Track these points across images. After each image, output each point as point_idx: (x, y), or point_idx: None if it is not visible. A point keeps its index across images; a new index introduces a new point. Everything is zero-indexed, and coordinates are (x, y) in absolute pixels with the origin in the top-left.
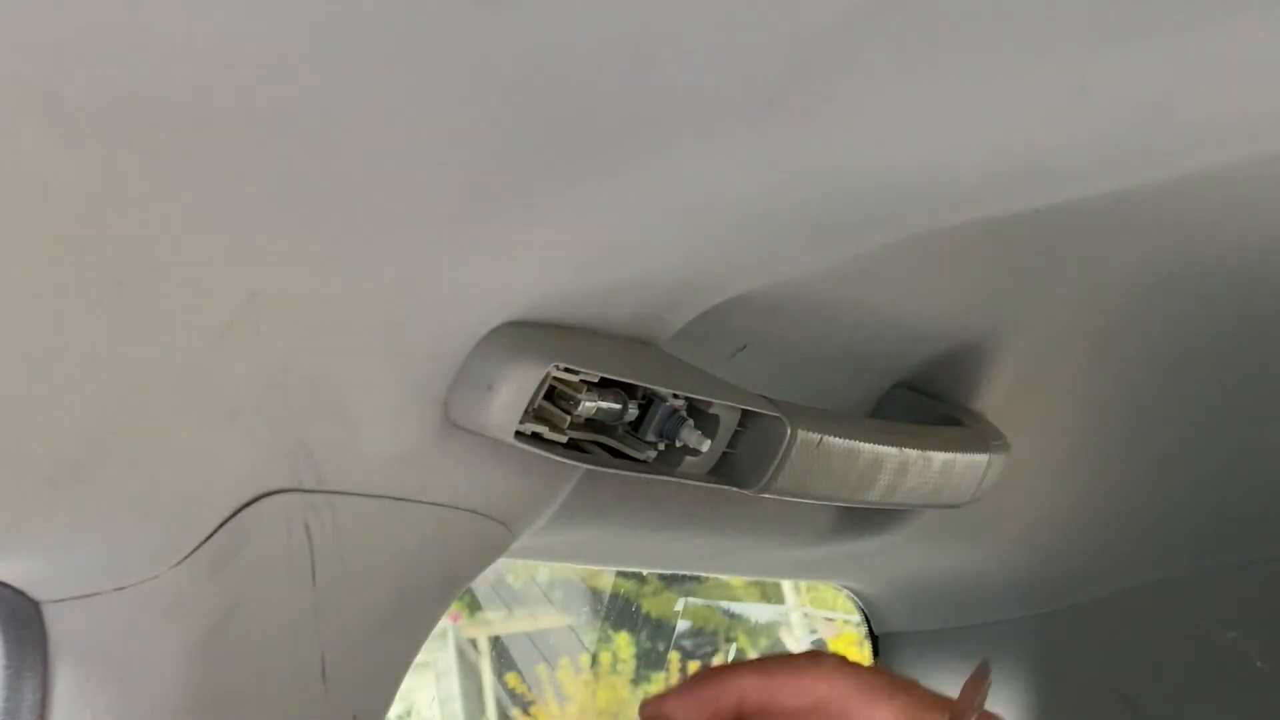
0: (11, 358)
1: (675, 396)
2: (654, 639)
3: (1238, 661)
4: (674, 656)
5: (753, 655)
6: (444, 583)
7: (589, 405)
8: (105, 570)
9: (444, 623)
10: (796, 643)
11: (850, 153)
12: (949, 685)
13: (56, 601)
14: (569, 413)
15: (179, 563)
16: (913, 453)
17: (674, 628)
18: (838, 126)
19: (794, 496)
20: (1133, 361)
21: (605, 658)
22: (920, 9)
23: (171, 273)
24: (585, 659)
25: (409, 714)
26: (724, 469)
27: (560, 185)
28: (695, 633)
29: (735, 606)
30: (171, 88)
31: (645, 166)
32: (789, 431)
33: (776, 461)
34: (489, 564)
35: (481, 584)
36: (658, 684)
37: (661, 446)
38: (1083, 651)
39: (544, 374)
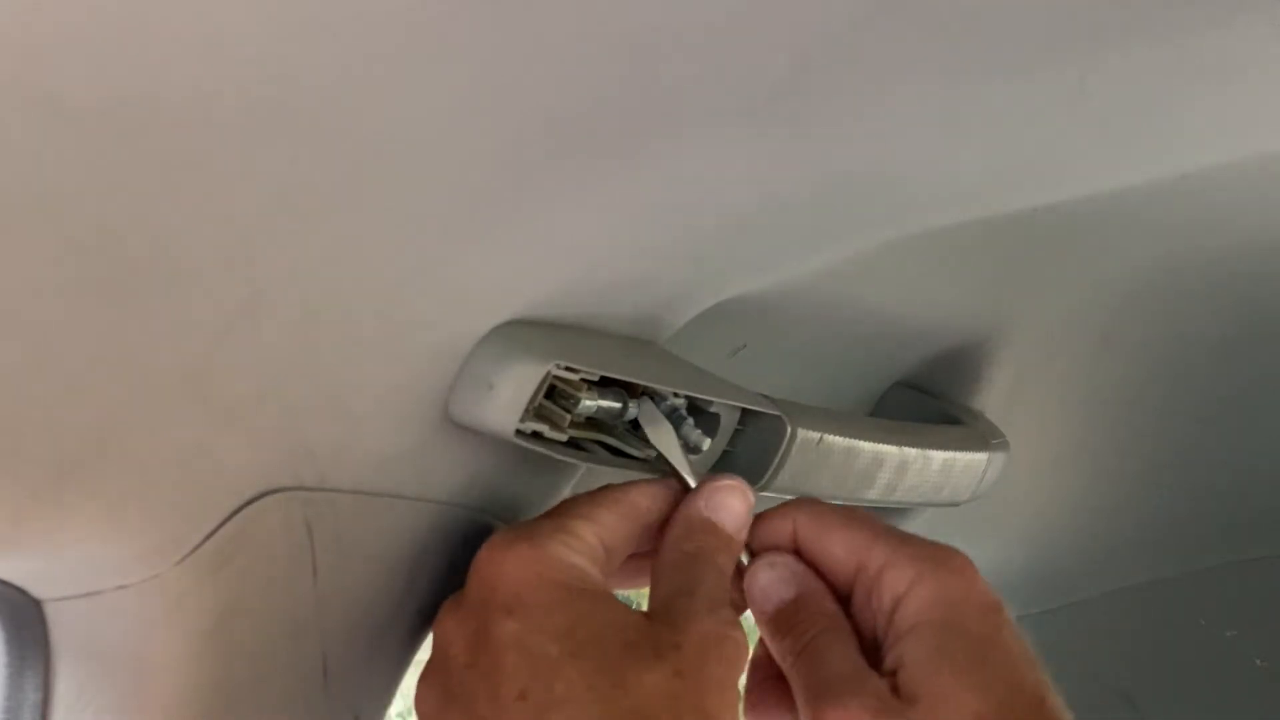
0: (12, 357)
1: (675, 395)
2: None
3: (1238, 660)
4: None
5: (751, 649)
6: (445, 581)
7: (589, 404)
8: (106, 568)
9: None
10: None
11: (850, 153)
12: None
13: (58, 600)
14: (569, 411)
15: (180, 561)
16: (912, 451)
17: None
18: (838, 126)
19: (794, 495)
20: (1133, 361)
21: None
22: (920, 9)
23: (172, 273)
24: None
25: (410, 712)
26: (724, 467)
27: (560, 185)
28: None
29: None
30: (172, 88)
31: (645, 166)
32: (789, 430)
33: (777, 460)
34: None
35: None
36: None
37: None
38: (1082, 649)
39: (545, 373)
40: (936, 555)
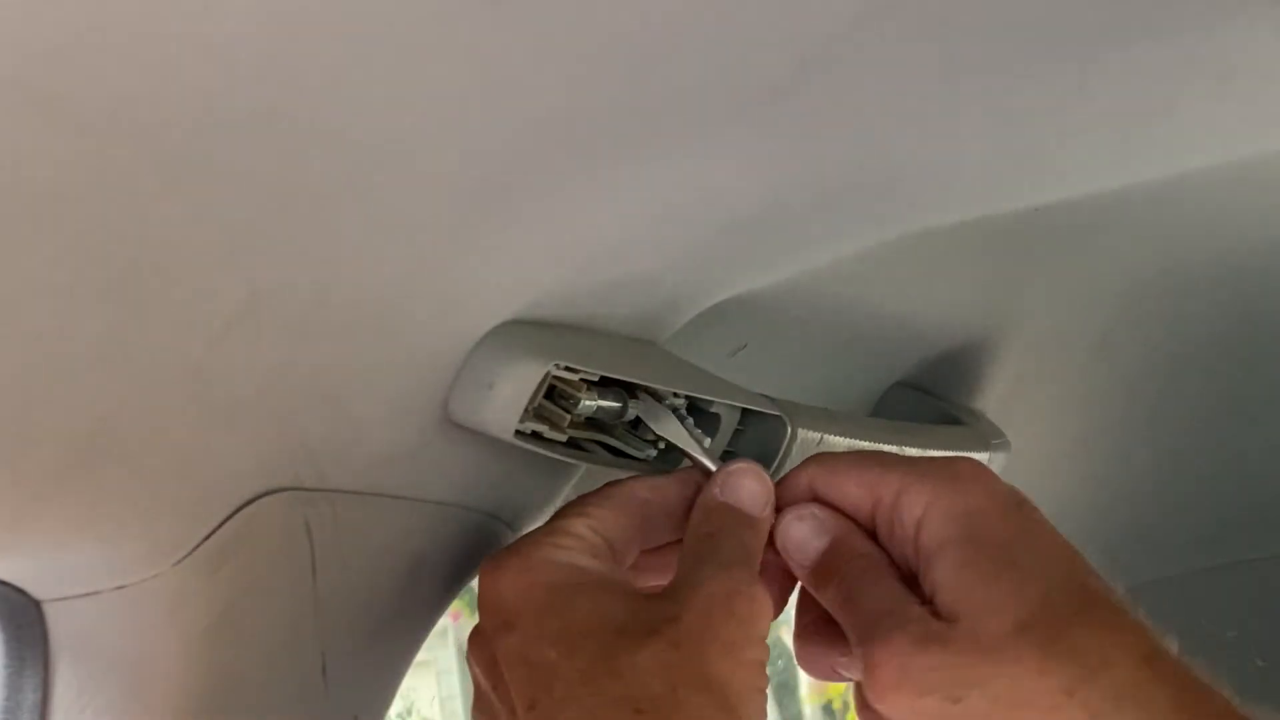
0: (11, 357)
1: (675, 395)
2: None
3: (1238, 660)
4: None
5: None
6: (445, 581)
7: (589, 404)
8: (105, 569)
9: (444, 621)
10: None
11: (850, 153)
12: None
13: (57, 600)
14: (569, 411)
15: (179, 561)
16: (913, 451)
17: None
18: (838, 126)
19: None
20: (1133, 361)
21: None
22: (921, 9)
23: (171, 272)
24: None
25: (409, 712)
26: None
27: (560, 184)
28: None
29: None
30: (172, 87)
31: (645, 166)
32: (790, 430)
33: (778, 460)
34: None
35: None
36: None
37: (662, 445)
38: None
39: (544, 373)
40: (947, 469)
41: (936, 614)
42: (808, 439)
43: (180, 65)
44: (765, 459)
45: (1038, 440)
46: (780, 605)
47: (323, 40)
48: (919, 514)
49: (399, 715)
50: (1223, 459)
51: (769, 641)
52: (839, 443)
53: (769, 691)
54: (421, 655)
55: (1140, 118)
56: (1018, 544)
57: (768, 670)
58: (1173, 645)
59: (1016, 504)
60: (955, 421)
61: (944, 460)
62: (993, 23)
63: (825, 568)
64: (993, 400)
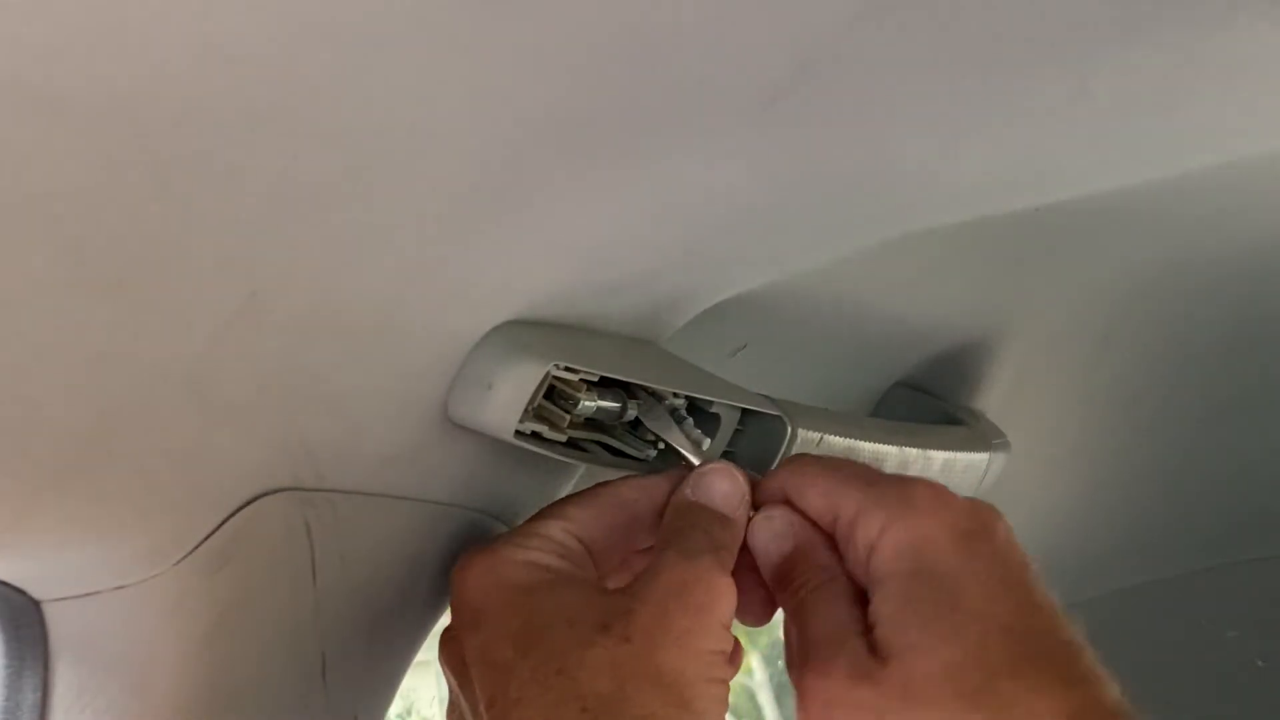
0: (11, 357)
1: (675, 395)
2: None
3: (1238, 661)
4: None
5: (754, 653)
6: (444, 581)
7: (588, 404)
8: (105, 569)
9: (444, 621)
10: None
11: (850, 153)
12: None
13: (56, 600)
14: (569, 412)
15: (179, 561)
16: (913, 451)
17: None
18: (838, 126)
19: None
20: (1133, 361)
21: None
22: (921, 9)
23: (171, 272)
24: None
25: (409, 712)
26: None
27: (560, 184)
28: None
29: None
30: (172, 87)
31: (645, 165)
32: (790, 430)
33: (778, 460)
34: None
35: None
36: None
37: (662, 445)
38: None
39: (544, 373)
40: (904, 494)
41: (874, 647)
42: (808, 439)
43: (180, 65)
44: (765, 459)
45: (1038, 440)
46: (769, 610)
47: (322, 40)
48: (872, 538)
49: (399, 715)
50: (1223, 459)
51: (768, 640)
52: (839, 443)
53: (768, 691)
54: (421, 655)
55: (1141, 117)
56: (964, 580)
57: (770, 670)
58: (1114, 692)
59: (968, 534)
60: (955, 421)
61: (902, 484)
62: (993, 22)
63: (784, 574)
64: (993, 400)
